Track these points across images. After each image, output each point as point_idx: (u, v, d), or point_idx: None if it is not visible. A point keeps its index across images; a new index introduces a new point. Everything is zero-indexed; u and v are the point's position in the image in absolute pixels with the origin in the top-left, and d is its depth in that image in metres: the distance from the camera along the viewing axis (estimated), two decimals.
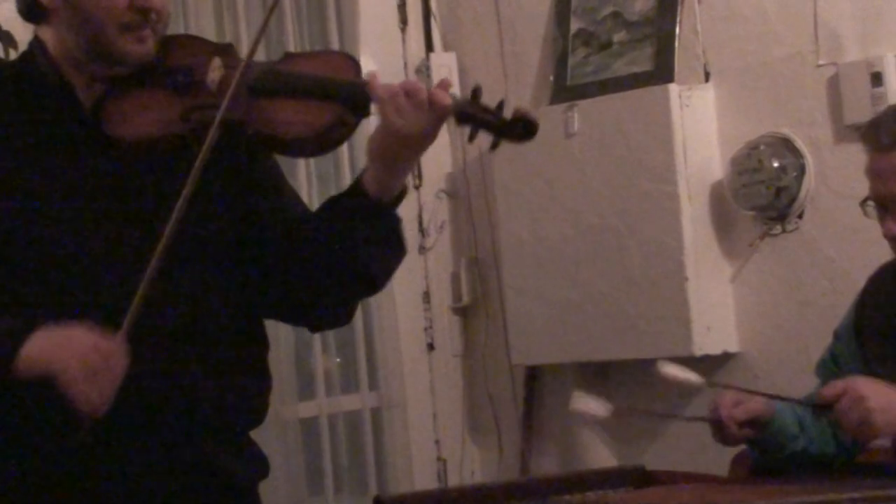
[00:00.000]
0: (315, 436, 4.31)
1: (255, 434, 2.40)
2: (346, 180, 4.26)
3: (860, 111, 3.71)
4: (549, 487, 2.95)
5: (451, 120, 2.22)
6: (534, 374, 4.55)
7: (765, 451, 2.82)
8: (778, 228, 3.97)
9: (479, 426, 4.71)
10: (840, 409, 2.58)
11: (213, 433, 2.30)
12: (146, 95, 2.27)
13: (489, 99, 2.23)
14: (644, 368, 4.20)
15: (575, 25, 4.34)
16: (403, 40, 4.64)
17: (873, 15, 3.77)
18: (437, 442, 4.64)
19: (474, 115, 2.19)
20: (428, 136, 2.22)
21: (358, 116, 2.24)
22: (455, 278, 4.71)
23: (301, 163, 4.16)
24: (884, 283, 2.87)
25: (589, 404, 2.86)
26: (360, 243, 2.28)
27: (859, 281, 2.99)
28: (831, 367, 2.92)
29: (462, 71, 4.62)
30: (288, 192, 2.43)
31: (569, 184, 4.21)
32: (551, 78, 4.38)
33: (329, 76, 2.26)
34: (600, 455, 4.32)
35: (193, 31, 4.04)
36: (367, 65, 4.41)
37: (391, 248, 2.34)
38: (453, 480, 4.60)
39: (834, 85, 3.83)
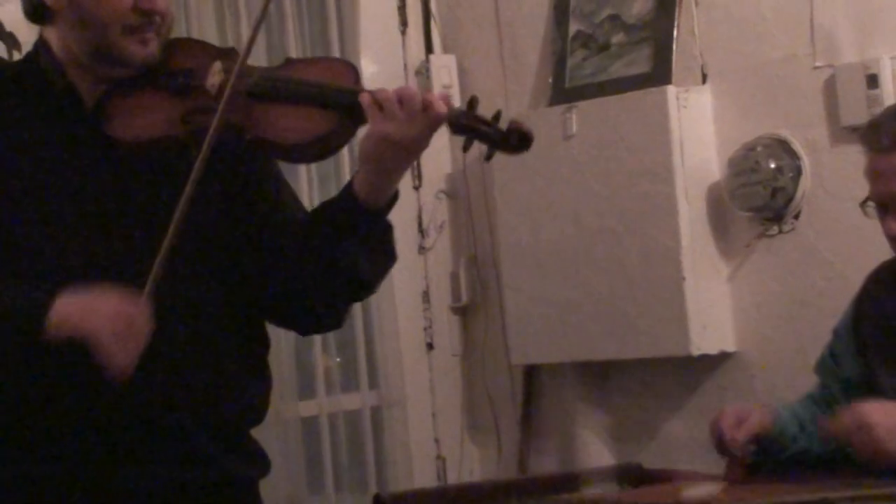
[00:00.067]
0: (315, 434, 4.32)
1: (255, 432, 2.41)
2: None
3: (856, 113, 3.71)
4: (548, 486, 2.96)
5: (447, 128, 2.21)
6: (532, 374, 4.55)
7: (766, 453, 2.82)
8: (774, 229, 3.96)
9: (478, 425, 4.70)
10: (853, 445, 2.57)
11: (214, 431, 2.31)
12: (147, 97, 2.28)
13: (487, 103, 2.24)
14: (642, 368, 4.24)
15: (573, 28, 4.34)
16: (403, 42, 4.64)
17: (869, 17, 3.76)
18: (436, 440, 4.64)
19: (470, 125, 2.18)
20: (419, 143, 2.21)
21: (355, 123, 2.24)
22: (454, 278, 4.70)
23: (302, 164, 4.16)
24: (883, 281, 2.88)
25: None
26: (349, 249, 2.27)
27: (855, 281, 3.00)
28: (831, 364, 2.93)
29: (461, 72, 4.61)
30: (286, 195, 2.43)
31: (567, 185, 4.21)
32: (550, 80, 4.38)
33: (326, 82, 2.25)
34: (598, 454, 4.33)
35: (195, 32, 4.06)
36: (368, 67, 4.44)
37: (381, 254, 2.33)
38: (452, 479, 4.60)
39: (830, 87, 3.83)
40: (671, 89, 4.01)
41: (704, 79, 4.08)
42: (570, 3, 4.35)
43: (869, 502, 2.42)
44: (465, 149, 2.22)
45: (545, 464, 4.48)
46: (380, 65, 4.45)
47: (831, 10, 3.83)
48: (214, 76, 2.27)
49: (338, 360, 4.43)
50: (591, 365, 4.33)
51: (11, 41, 3.59)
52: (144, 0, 2.23)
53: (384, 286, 4.21)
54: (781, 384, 3.88)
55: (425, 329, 4.67)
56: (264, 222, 2.35)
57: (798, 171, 3.90)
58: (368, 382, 4.44)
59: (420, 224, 4.67)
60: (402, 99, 2.18)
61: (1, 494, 2.24)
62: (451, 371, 4.71)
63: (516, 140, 2.18)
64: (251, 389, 2.37)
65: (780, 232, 3.96)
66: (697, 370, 4.12)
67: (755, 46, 3.99)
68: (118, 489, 2.25)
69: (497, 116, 2.19)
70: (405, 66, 4.61)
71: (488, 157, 2.22)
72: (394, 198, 2.29)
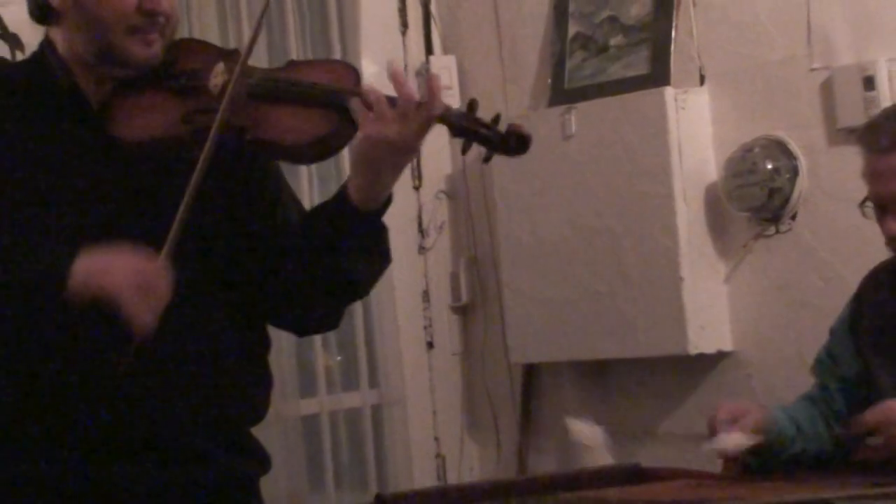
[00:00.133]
0: (316, 433, 4.33)
1: (256, 430, 2.41)
2: None
3: (853, 114, 3.72)
4: (547, 485, 2.97)
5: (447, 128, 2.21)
6: (531, 373, 4.56)
7: (764, 455, 2.82)
8: (771, 229, 3.97)
9: (477, 423, 4.72)
10: (887, 437, 2.58)
11: (215, 430, 2.31)
12: (150, 97, 2.28)
13: (487, 104, 2.25)
14: (640, 367, 4.25)
15: (573, 29, 4.35)
16: (404, 43, 4.66)
17: (866, 20, 3.77)
18: (436, 439, 4.65)
19: (469, 128, 2.18)
20: (411, 145, 2.20)
21: (355, 124, 2.23)
22: (454, 278, 4.72)
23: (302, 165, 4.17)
24: (880, 280, 2.89)
25: (583, 431, 2.86)
26: (343, 251, 2.27)
27: (852, 281, 3.01)
28: (829, 364, 2.93)
29: (461, 73, 4.63)
30: (286, 197, 2.43)
31: (566, 185, 4.22)
32: (549, 81, 4.39)
33: (326, 84, 2.25)
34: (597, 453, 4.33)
35: (196, 33, 4.06)
36: (368, 67, 4.45)
37: (376, 256, 2.33)
38: (452, 477, 4.61)
39: (827, 88, 3.83)
40: (669, 91, 4.02)
41: (702, 80, 4.09)
42: (570, 5, 4.36)
43: (869, 502, 2.42)
44: (465, 151, 2.22)
45: (544, 462, 4.49)
46: (380, 65, 4.45)
47: (828, 12, 3.83)
48: (217, 77, 2.28)
49: (338, 358, 4.43)
50: (590, 364, 4.34)
51: (15, 42, 3.59)
52: (148, 1, 2.24)
53: (384, 286, 4.26)
54: (779, 383, 3.88)
55: (425, 328, 4.68)
56: (264, 223, 2.36)
57: (795, 172, 3.91)
58: (369, 381, 4.45)
59: (420, 224, 4.68)
60: (392, 99, 2.18)
61: (1, 494, 2.24)
62: (450, 370, 4.72)
63: (515, 143, 2.19)
64: (252, 388, 2.37)
65: (778, 232, 3.97)
66: (695, 369, 4.13)
67: (753, 48, 4.00)
68: (119, 488, 2.24)
69: (496, 119, 2.19)
70: (405, 66, 4.61)
71: (487, 159, 2.22)
72: (388, 200, 2.28)
